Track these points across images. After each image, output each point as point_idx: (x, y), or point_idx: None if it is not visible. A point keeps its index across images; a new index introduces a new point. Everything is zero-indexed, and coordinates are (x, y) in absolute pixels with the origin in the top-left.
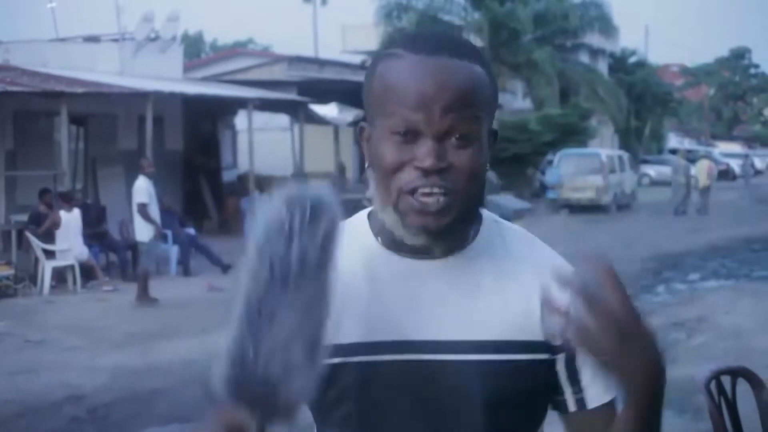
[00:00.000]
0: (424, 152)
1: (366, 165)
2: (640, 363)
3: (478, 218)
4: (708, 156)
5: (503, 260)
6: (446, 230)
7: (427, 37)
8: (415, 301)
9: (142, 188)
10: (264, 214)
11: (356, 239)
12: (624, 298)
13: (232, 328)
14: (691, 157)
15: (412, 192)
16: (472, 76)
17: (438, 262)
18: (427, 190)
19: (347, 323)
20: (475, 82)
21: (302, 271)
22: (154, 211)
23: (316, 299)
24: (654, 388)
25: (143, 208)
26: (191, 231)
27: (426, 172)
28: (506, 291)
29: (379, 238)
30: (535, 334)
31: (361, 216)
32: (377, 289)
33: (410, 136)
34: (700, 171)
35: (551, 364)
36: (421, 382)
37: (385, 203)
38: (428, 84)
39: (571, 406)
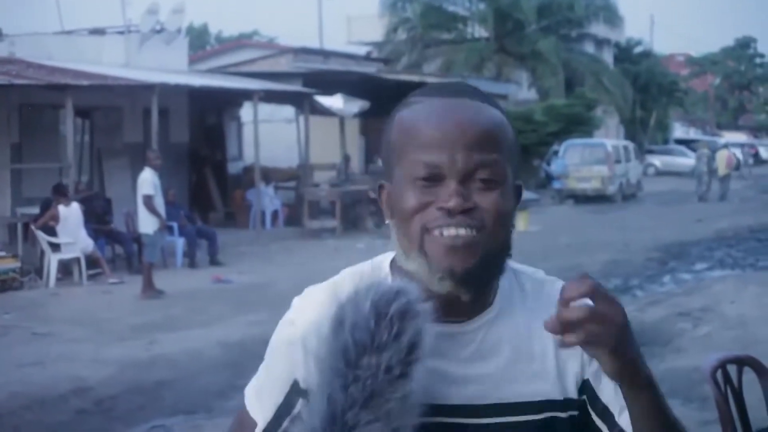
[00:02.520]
0: (449, 193)
1: (386, 221)
2: (635, 357)
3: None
4: (727, 147)
5: (522, 321)
6: (474, 274)
7: (447, 84)
8: (445, 367)
9: (148, 180)
10: (350, 316)
11: None
12: (614, 301)
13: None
14: (696, 147)
15: (439, 230)
16: (494, 118)
17: (462, 326)
18: (452, 231)
19: None
20: (497, 125)
21: (388, 383)
22: (159, 204)
23: (398, 409)
24: (650, 378)
25: (149, 200)
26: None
27: (450, 212)
28: (526, 352)
29: None
30: (558, 393)
31: (384, 265)
32: None
33: (433, 180)
34: (720, 161)
35: (581, 414)
36: None
37: (408, 249)
38: (450, 123)
39: None
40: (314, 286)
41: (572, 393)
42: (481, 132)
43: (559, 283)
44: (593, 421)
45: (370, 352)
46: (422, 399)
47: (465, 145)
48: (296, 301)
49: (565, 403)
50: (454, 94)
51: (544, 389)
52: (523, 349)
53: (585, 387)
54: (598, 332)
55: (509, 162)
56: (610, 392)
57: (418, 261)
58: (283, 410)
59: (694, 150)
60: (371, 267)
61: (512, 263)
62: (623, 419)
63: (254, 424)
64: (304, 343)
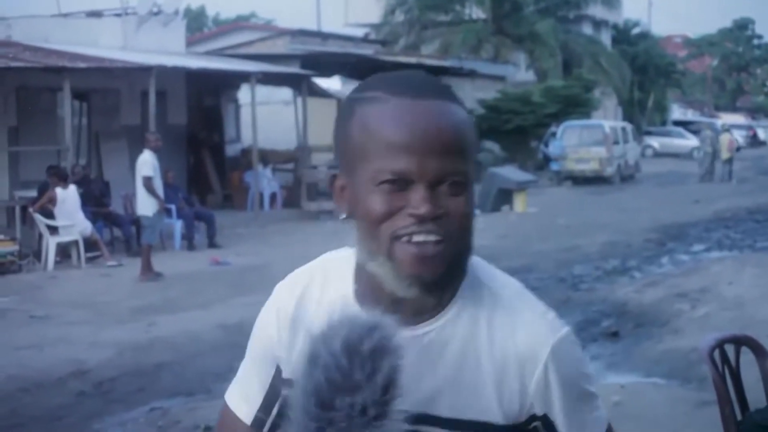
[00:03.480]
0: (419, 199)
1: (342, 216)
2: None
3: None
4: (729, 130)
5: (475, 329)
6: (441, 281)
7: (406, 80)
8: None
9: (148, 162)
10: (321, 355)
11: (338, 285)
12: None
13: None
14: (694, 129)
15: (408, 237)
16: (460, 119)
17: (409, 331)
18: (422, 237)
19: None
20: (463, 125)
21: (363, 424)
22: (158, 186)
23: None
24: None
25: (148, 182)
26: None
27: (421, 219)
28: (473, 363)
29: (358, 292)
30: (500, 416)
31: (348, 259)
32: None
33: (400, 183)
34: (722, 143)
35: None
36: None
37: (374, 253)
38: (420, 129)
39: None
40: (295, 271)
41: (513, 418)
42: (450, 138)
43: (524, 303)
44: None
45: (344, 393)
46: None
47: (435, 152)
48: (277, 286)
49: (503, 429)
50: (420, 95)
51: (483, 408)
52: (470, 359)
53: (542, 420)
54: None
55: (473, 161)
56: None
57: (386, 266)
58: (272, 395)
59: (692, 132)
60: (343, 257)
61: (476, 266)
62: None
63: (240, 424)
64: (278, 324)
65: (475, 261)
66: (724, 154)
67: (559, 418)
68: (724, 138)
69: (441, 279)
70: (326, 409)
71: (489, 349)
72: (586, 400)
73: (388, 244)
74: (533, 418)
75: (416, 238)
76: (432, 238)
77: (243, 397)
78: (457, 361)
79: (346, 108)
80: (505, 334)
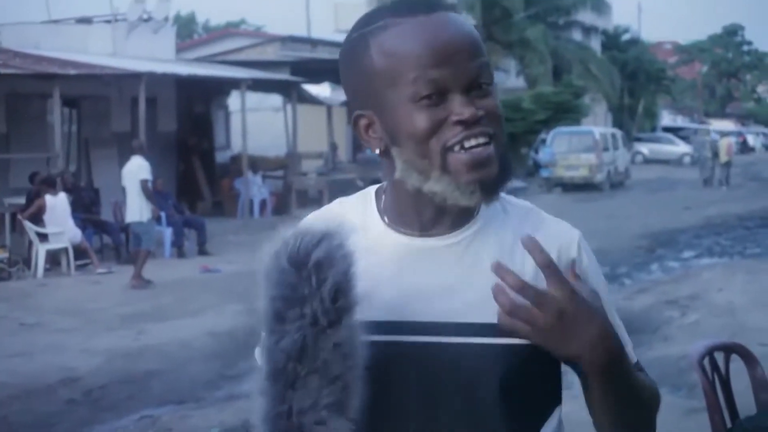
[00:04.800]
0: (461, 105)
1: (377, 151)
2: (586, 341)
3: None
4: (728, 135)
5: (503, 238)
6: (498, 181)
7: (409, 2)
8: (422, 283)
9: (144, 166)
10: (272, 272)
11: (362, 219)
12: (561, 281)
13: (261, 389)
14: (683, 135)
15: (460, 146)
16: (470, 25)
17: (444, 239)
18: (473, 141)
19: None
20: (474, 30)
21: (316, 334)
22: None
23: (334, 359)
24: (609, 364)
25: (146, 185)
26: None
27: (467, 124)
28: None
29: (385, 218)
30: None
31: (368, 194)
32: (385, 270)
33: (437, 96)
34: (722, 148)
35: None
36: (426, 362)
37: (428, 172)
38: (445, 39)
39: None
40: (309, 215)
41: None
42: (472, 42)
43: (541, 214)
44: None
45: (294, 305)
46: (362, 345)
47: (464, 58)
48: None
49: None
50: (431, 9)
51: None
52: (507, 260)
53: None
54: (532, 317)
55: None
56: None
57: (443, 180)
58: None
59: (682, 138)
60: (359, 195)
61: None
62: None
63: None
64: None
65: None
66: (723, 158)
67: None
68: (724, 142)
69: (498, 179)
70: (280, 322)
71: (522, 257)
72: (606, 292)
73: (441, 158)
74: None
75: (467, 143)
76: (481, 140)
77: None
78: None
79: (356, 43)
80: (535, 229)
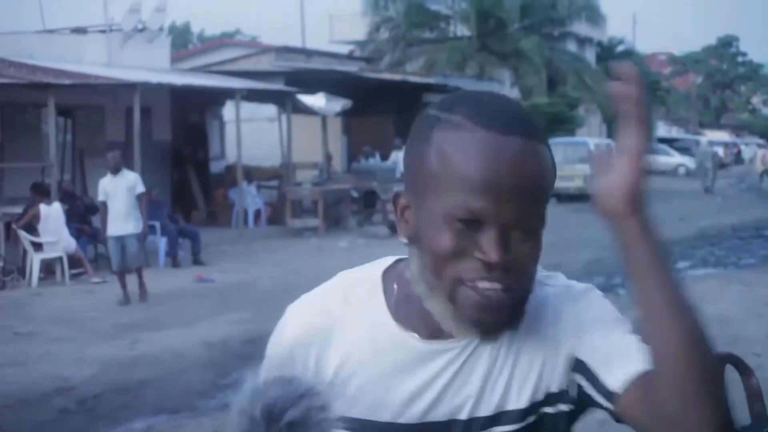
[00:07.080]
0: (491, 245)
1: (403, 239)
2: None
3: None
4: (764, 146)
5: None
6: (502, 326)
7: (497, 110)
8: (419, 385)
9: (138, 179)
10: (243, 415)
11: (365, 311)
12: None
13: None
14: (678, 146)
15: (471, 282)
16: (545, 163)
17: (441, 344)
18: (487, 284)
19: (361, 407)
20: (549, 170)
21: None
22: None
23: None
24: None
25: (144, 199)
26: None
27: (490, 267)
28: (524, 354)
29: (395, 317)
30: (541, 392)
31: (373, 281)
32: (391, 373)
33: (473, 224)
34: (758, 158)
35: (580, 399)
36: None
37: (434, 291)
38: (505, 170)
39: (606, 404)
40: (307, 294)
41: (555, 387)
42: (534, 183)
43: (552, 281)
44: (592, 399)
45: None
46: None
47: (516, 197)
48: (289, 308)
49: (547, 399)
50: (509, 131)
51: (527, 394)
52: (507, 358)
53: (579, 366)
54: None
55: (547, 204)
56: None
57: (446, 307)
58: None
59: (676, 149)
60: (365, 277)
61: None
62: (612, 380)
63: None
64: (291, 351)
65: None
66: (760, 168)
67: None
68: (760, 153)
69: (502, 324)
70: None
71: (525, 342)
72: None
73: (451, 286)
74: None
75: (481, 285)
76: (498, 286)
77: None
78: (491, 361)
79: (424, 126)
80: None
